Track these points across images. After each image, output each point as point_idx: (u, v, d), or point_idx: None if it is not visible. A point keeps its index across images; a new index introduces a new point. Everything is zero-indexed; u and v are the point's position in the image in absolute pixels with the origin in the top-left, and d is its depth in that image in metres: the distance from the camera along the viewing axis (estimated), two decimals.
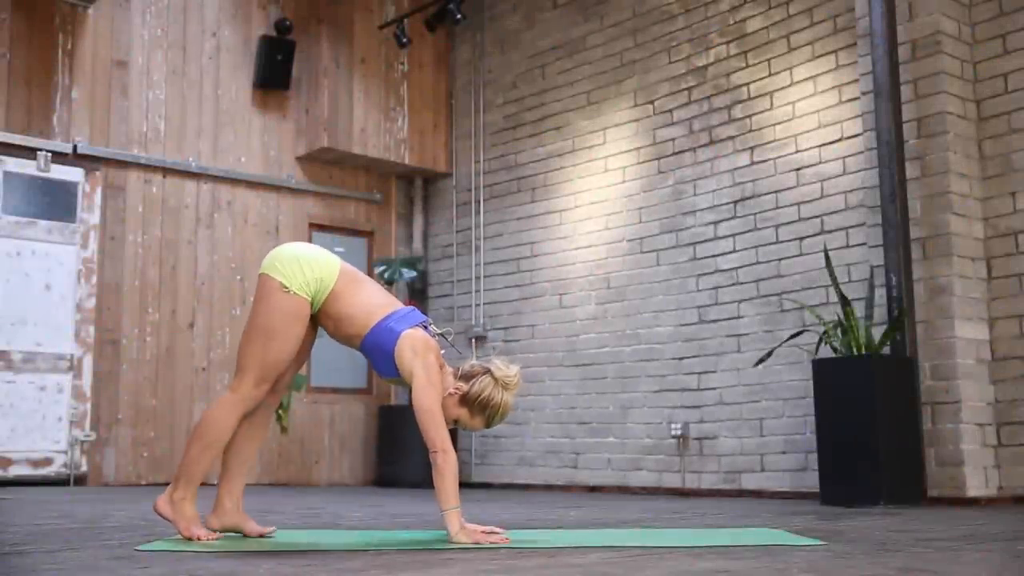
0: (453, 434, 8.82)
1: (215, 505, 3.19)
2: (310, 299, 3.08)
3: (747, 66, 6.89)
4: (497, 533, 3.05)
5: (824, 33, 6.47)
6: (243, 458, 3.18)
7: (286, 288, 3.04)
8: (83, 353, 7.50)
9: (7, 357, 7.20)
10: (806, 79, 6.53)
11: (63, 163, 7.58)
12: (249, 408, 3.09)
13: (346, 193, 8.99)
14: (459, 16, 8.19)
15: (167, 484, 7.75)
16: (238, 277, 8.34)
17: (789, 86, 6.63)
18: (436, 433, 2.96)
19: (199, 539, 2.99)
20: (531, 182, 8.33)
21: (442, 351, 3.13)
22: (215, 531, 3.12)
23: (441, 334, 3.18)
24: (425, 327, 3.13)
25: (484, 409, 3.07)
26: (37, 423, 7.25)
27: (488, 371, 3.09)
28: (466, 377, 3.09)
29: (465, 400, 3.07)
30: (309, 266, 3.08)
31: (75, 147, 7.62)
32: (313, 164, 8.83)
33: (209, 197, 8.29)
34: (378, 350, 3.06)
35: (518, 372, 3.11)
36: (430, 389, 2.98)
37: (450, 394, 3.07)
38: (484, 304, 8.54)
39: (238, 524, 3.18)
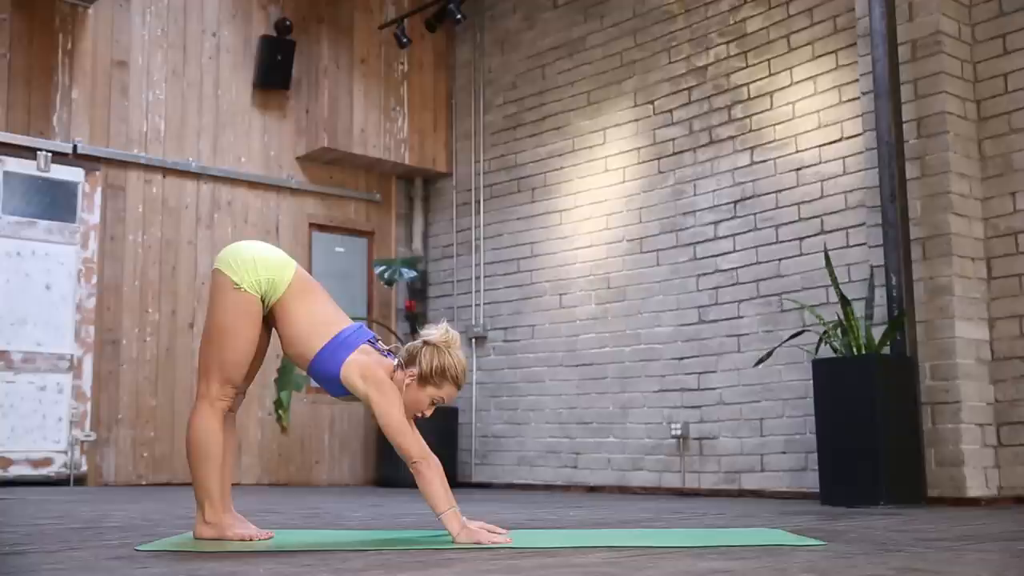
0: (452, 437, 8.75)
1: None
2: (259, 296, 3.05)
3: (747, 66, 6.89)
4: (499, 533, 3.04)
5: (824, 33, 6.47)
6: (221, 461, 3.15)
7: (236, 285, 3.02)
8: (83, 353, 7.50)
9: (7, 357, 7.20)
10: (806, 79, 6.53)
11: (63, 163, 7.58)
12: (223, 409, 3.05)
13: (346, 193, 8.99)
14: (459, 16, 8.19)
15: (167, 485, 7.78)
16: None
17: (789, 86, 6.63)
18: (410, 445, 2.95)
19: (253, 539, 2.99)
20: (531, 182, 8.33)
21: (394, 361, 3.08)
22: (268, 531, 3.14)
23: (390, 350, 3.13)
24: (372, 343, 3.09)
25: (444, 375, 3.02)
26: (37, 423, 7.25)
27: (424, 343, 3.06)
28: (411, 361, 3.05)
29: (423, 379, 3.02)
30: (263, 265, 3.05)
31: (75, 147, 7.62)
32: (313, 164, 8.83)
33: (209, 197, 8.29)
34: (325, 377, 3.05)
35: (446, 327, 3.10)
36: (391, 407, 2.96)
37: (408, 384, 3.03)
38: (484, 304, 8.54)
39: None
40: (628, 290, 7.43)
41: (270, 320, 3.13)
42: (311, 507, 5.15)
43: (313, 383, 8.49)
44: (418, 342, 3.08)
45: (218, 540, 3.02)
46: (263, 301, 3.07)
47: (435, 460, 2.98)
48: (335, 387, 3.06)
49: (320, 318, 3.08)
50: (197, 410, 3.04)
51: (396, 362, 3.08)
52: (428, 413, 3.09)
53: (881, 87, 5.65)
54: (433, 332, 3.08)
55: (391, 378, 3.03)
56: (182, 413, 7.90)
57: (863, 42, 5.96)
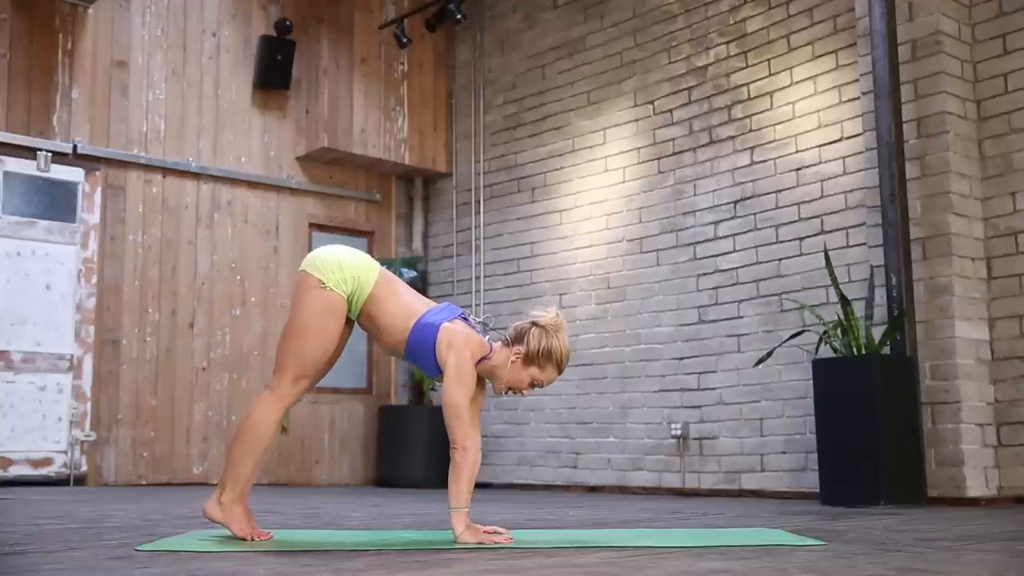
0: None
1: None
2: (346, 296, 3.10)
3: (747, 66, 6.89)
4: (501, 533, 3.05)
5: (824, 33, 6.47)
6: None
7: (323, 284, 3.08)
8: (83, 353, 7.50)
9: (7, 357, 7.20)
10: (806, 79, 6.53)
11: (63, 163, 7.57)
12: (289, 405, 3.11)
13: (346, 193, 8.99)
14: (459, 16, 8.19)
15: (167, 485, 7.79)
16: (238, 277, 8.34)
17: (789, 86, 6.63)
18: (460, 430, 2.99)
19: (254, 539, 3.01)
20: (531, 182, 8.33)
21: (486, 337, 3.17)
22: (268, 531, 3.17)
23: (482, 322, 3.22)
24: (464, 319, 3.16)
25: (549, 358, 3.10)
26: (37, 423, 7.25)
27: (533, 323, 3.13)
28: (518, 339, 3.12)
29: (529, 359, 3.10)
30: (349, 266, 3.12)
31: (75, 147, 7.62)
32: (313, 164, 8.83)
33: (209, 197, 8.29)
34: (421, 348, 3.09)
35: (557, 312, 3.18)
36: (459, 385, 3.01)
37: (513, 361, 3.10)
38: (484, 304, 8.54)
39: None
40: (628, 290, 7.43)
41: (362, 321, 3.19)
42: (311, 507, 5.15)
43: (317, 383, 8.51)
44: (526, 322, 3.15)
45: (220, 525, 3.07)
46: (350, 302, 3.12)
47: (474, 456, 3.00)
48: (431, 361, 3.10)
49: (409, 302, 3.17)
50: (264, 400, 3.09)
51: (500, 339, 3.16)
52: (526, 393, 3.18)
53: (881, 87, 5.65)
54: (543, 315, 3.15)
55: (491, 356, 3.11)
56: (182, 413, 7.91)
57: (863, 42, 5.96)
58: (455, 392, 3.00)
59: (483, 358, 3.10)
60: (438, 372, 3.10)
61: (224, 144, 8.40)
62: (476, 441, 3.03)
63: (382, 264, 3.21)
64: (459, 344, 3.04)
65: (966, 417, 5.40)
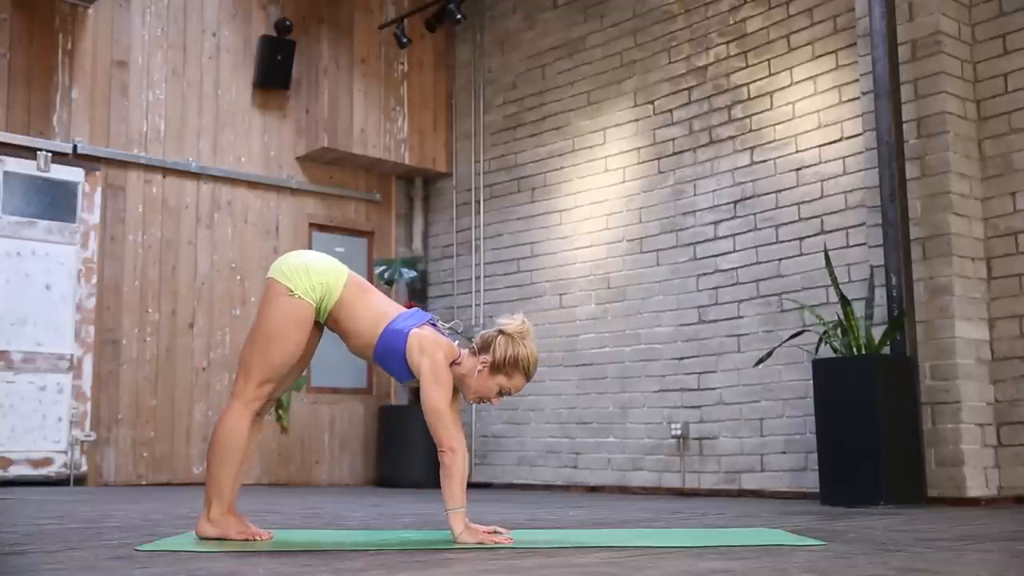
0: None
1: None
2: (315, 304, 3.09)
3: (747, 66, 6.89)
4: (500, 533, 3.05)
5: (824, 33, 6.47)
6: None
7: (291, 292, 3.06)
8: (83, 353, 7.50)
9: (7, 357, 7.20)
10: (806, 79, 6.53)
11: (63, 163, 7.57)
12: (255, 410, 3.09)
13: (346, 193, 8.99)
14: (459, 16, 8.19)
15: (167, 485, 7.78)
16: (238, 277, 8.34)
17: (789, 86, 6.63)
18: (444, 432, 2.98)
19: (256, 538, 3.01)
20: (531, 182, 8.33)
21: (456, 342, 3.15)
22: (268, 531, 3.17)
23: (450, 328, 3.21)
24: (433, 324, 3.15)
25: (516, 365, 3.09)
26: (37, 423, 7.25)
27: (500, 332, 3.12)
28: (484, 348, 3.11)
29: (495, 367, 3.08)
30: (316, 272, 3.10)
31: (75, 147, 7.62)
32: (313, 164, 8.83)
33: (209, 197, 8.29)
34: (390, 354, 3.08)
35: (523, 319, 3.17)
36: (436, 388, 3.00)
37: (480, 370, 3.09)
38: (484, 304, 8.54)
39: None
40: (628, 290, 7.43)
41: (331, 325, 3.17)
42: (311, 507, 5.15)
43: (313, 383, 8.52)
44: (493, 330, 3.14)
45: (219, 539, 3.03)
46: (319, 308, 3.11)
47: (462, 456, 3.00)
48: (400, 366, 3.09)
49: (380, 308, 3.15)
50: (230, 408, 3.07)
51: (468, 347, 3.14)
52: (495, 402, 3.16)
53: (881, 87, 5.65)
54: (510, 322, 3.14)
55: (460, 362, 3.09)
56: (182, 413, 7.90)
57: (863, 42, 5.96)
58: (433, 394, 3.00)
59: (453, 362, 3.09)
60: (409, 376, 3.09)
61: (224, 144, 8.40)
62: (461, 442, 3.02)
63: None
64: (430, 348, 3.03)
65: (966, 417, 5.40)
